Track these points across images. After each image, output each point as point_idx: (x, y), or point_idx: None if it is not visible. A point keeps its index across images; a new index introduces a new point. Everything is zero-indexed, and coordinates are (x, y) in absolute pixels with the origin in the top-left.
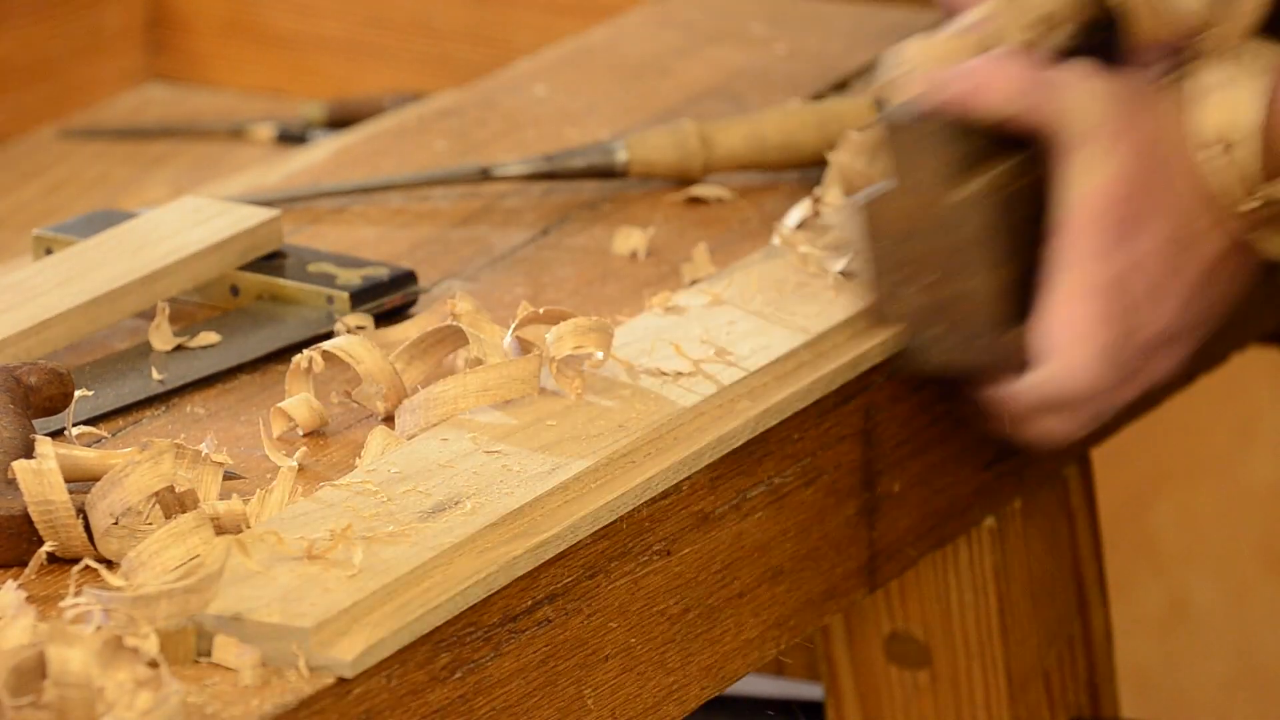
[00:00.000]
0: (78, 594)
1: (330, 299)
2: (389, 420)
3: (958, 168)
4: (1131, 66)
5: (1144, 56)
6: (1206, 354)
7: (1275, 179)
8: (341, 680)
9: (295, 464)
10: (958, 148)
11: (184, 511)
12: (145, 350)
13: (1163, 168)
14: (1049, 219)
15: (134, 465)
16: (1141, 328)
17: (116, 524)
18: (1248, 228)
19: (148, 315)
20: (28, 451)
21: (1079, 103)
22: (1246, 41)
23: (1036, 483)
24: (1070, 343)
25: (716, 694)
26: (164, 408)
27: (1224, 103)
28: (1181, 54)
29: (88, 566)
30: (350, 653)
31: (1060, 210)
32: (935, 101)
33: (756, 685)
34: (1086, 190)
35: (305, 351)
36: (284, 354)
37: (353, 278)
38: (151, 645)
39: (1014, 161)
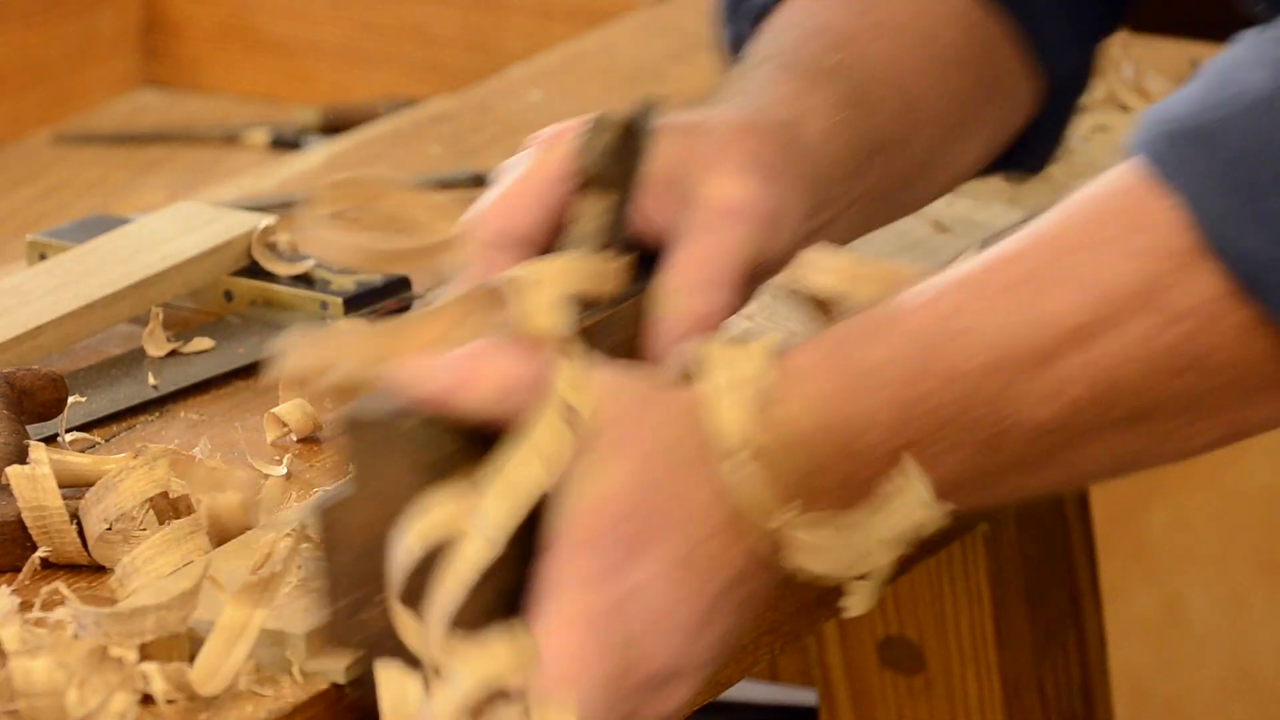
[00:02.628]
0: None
1: (324, 304)
2: None
3: (430, 474)
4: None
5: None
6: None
7: (791, 499)
8: (335, 687)
9: (284, 471)
10: (431, 451)
11: (177, 517)
12: (139, 356)
13: (674, 479)
14: (540, 532)
15: (128, 471)
16: (639, 665)
17: (110, 529)
18: (774, 545)
19: (142, 321)
20: (21, 457)
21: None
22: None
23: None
24: (556, 681)
25: (711, 699)
26: (158, 413)
27: (735, 408)
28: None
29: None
30: (344, 659)
31: (554, 525)
32: (408, 397)
33: (751, 690)
34: (584, 505)
35: None
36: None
37: (346, 283)
38: (132, 655)
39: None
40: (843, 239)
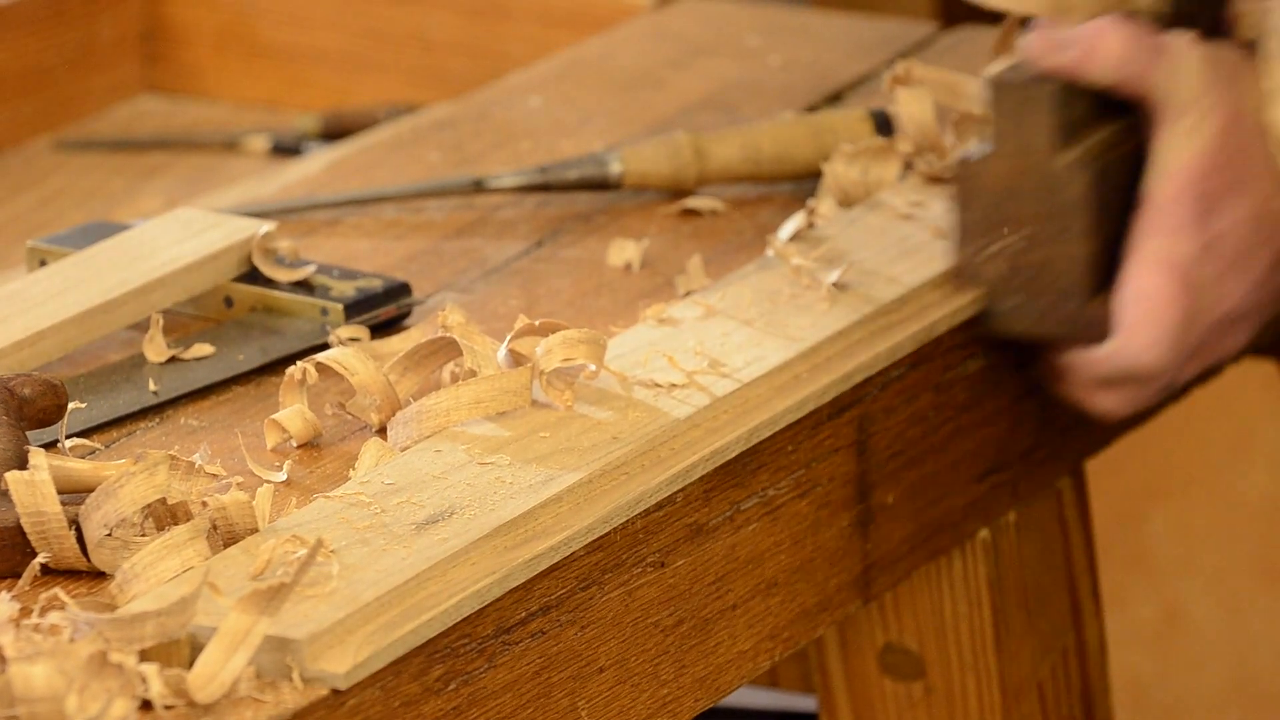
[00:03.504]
0: (46, 612)
1: (324, 311)
2: (382, 432)
3: (1062, 132)
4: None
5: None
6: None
7: None
8: (335, 692)
9: (284, 477)
10: (1064, 112)
11: (176, 523)
12: (139, 362)
13: (1248, 146)
14: (1139, 189)
15: (128, 477)
16: (1212, 306)
17: (110, 536)
18: None
19: (142, 327)
20: (21, 463)
21: (1179, 73)
22: None
23: (1030, 494)
24: (1141, 319)
25: (710, 706)
26: (158, 419)
27: None
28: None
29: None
30: (344, 664)
31: (1149, 182)
32: (1044, 65)
33: (750, 697)
34: (1175, 164)
35: (299, 363)
36: (278, 366)
37: (347, 289)
38: (132, 661)
39: (1115, 128)
40: None
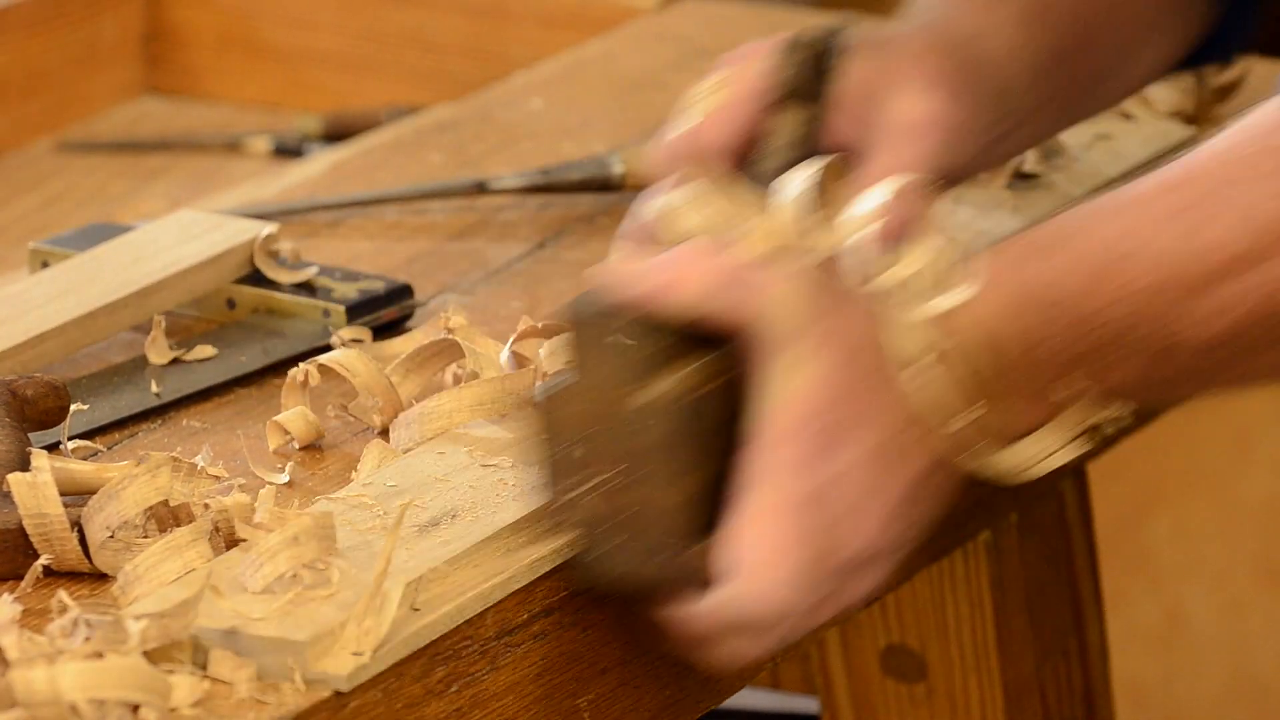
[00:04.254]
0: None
1: (326, 312)
2: (385, 434)
3: (644, 367)
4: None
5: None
6: (905, 568)
7: (978, 399)
8: (337, 694)
9: (286, 479)
10: (645, 346)
11: (179, 525)
12: (141, 364)
13: (869, 375)
14: (743, 424)
15: (130, 479)
16: (838, 549)
17: (112, 538)
18: (953, 448)
19: (144, 329)
20: (23, 465)
21: (781, 302)
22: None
23: (1032, 496)
24: (760, 563)
25: (713, 708)
26: (160, 421)
27: (921, 314)
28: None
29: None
30: (346, 666)
31: (756, 416)
32: (622, 296)
33: (752, 699)
34: (786, 396)
35: (301, 365)
36: (280, 367)
37: (349, 291)
38: (134, 663)
39: (706, 361)
40: (1027, 146)
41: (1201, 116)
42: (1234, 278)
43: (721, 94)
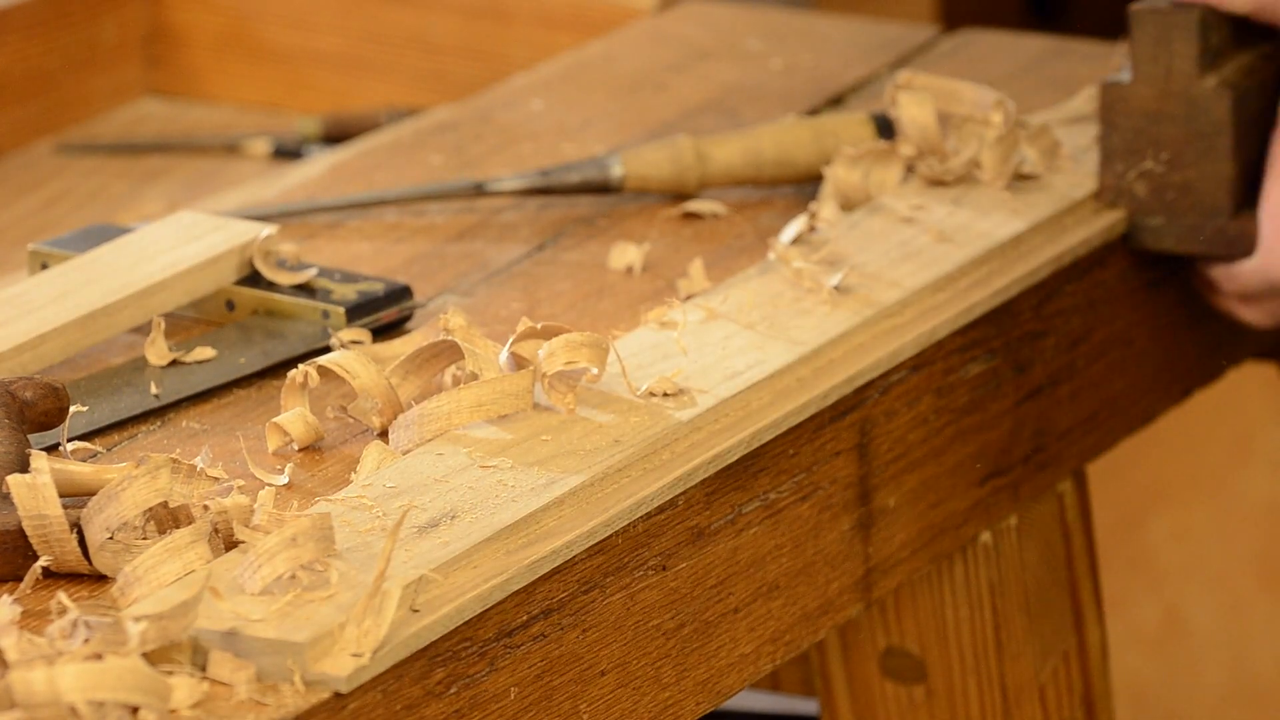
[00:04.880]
0: (49, 615)
1: (326, 314)
2: (384, 435)
3: (1204, 58)
4: None
5: None
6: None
7: None
8: (336, 695)
9: (286, 480)
10: (1205, 39)
11: (178, 527)
12: (141, 365)
13: None
14: (1275, 112)
15: (130, 480)
16: None
17: (112, 539)
18: None
19: (143, 330)
20: (23, 466)
21: None
22: None
23: (1032, 498)
24: None
25: (712, 709)
26: (159, 423)
27: None
28: None
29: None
30: (345, 668)
31: None
32: None
33: (752, 700)
34: None
35: (301, 366)
36: (280, 369)
37: (348, 293)
38: (133, 664)
39: (1253, 54)
40: None
41: None
42: None
43: None
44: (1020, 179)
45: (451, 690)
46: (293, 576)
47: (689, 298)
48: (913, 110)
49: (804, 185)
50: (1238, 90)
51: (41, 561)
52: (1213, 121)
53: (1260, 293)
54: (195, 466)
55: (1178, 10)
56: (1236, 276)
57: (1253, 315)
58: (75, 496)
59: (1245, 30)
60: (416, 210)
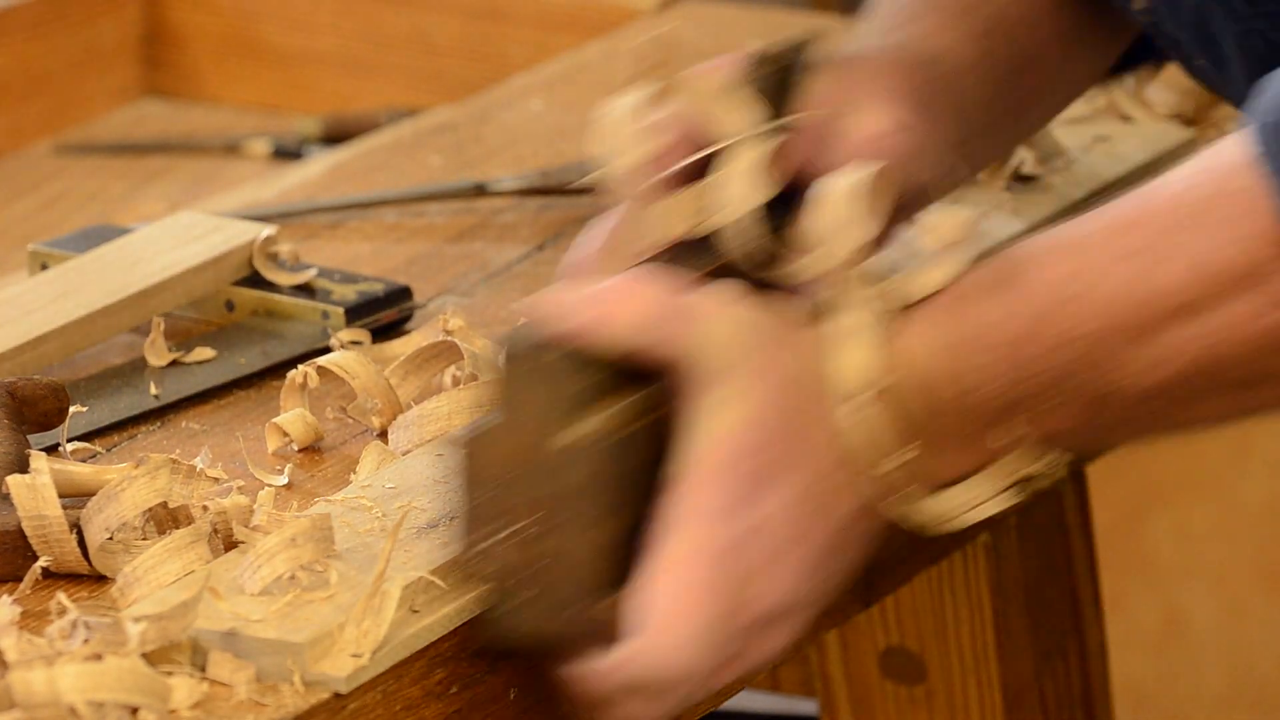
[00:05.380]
0: (48, 615)
1: (325, 314)
2: (384, 436)
3: (570, 406)
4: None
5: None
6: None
7: (912, 440)
8: (336, 695)
9: (285, 481)
10: (573, 383)
11: (178, 527)
12: (140, 365)
13: (800, 415)
14: (666, 468)
15: (129, 481)
16: (752, 603)
17: (111, 539)
18: (882, 491)
19: (143, 331)
20: (22, 466)
21: (715, 335)
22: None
23: (1031, 498)
24: (667, 618)
25: (712, 709)
26: (159, 423)
27: (861, 350)
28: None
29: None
30: (344, 668)
31: (681, 458)
32: (554, 330)
33: (752, 700)
34: (712, 438)
35: (300, 367)
36: (279, 369)
37: (348, 293)
38: (133, 665)
39: (635, 399)
40: (980, 166)
41: (1200, 119)
42: (1178, 326)
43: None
44: (1019, 180)
45: (452, 690)
46: (292, 577)
47: None
48: None
49: None
50: (610, 446)
51: (41, 562)
52: (568, 487)
53: (633, 688)
54: (195, 467)
55: (538, 351)
56: (605, 670)
57: (623, 717)
58: (75, 497)
59: (631, 369)
60: (416, 211)
